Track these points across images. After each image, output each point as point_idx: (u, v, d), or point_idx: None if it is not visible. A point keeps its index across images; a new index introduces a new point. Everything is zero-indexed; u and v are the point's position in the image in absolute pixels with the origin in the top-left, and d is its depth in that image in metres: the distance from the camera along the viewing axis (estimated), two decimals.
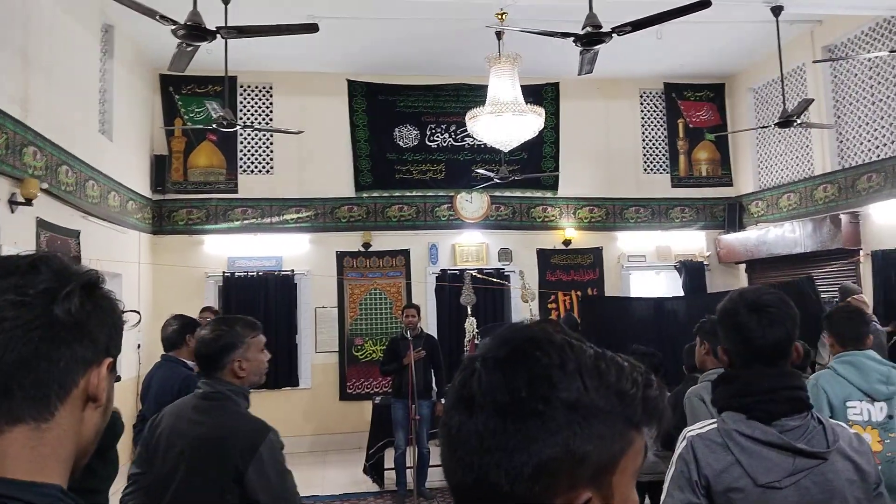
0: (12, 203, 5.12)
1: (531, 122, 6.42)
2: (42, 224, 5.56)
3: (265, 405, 8.44)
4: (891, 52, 6.65)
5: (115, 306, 0.87)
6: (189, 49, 4.41)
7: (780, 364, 1.69)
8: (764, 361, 1.69)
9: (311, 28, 4.44)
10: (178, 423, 2.28)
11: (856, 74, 8.04)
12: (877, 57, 7.44)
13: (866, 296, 7.32)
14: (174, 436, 2.24)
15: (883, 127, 7.64)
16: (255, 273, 8.94)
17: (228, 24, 4.52)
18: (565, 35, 4.53)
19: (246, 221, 9.08)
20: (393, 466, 6.58)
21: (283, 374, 8.86)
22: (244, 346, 2.32)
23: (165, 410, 2.42)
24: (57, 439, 0.79)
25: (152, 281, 8.52)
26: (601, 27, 4.50)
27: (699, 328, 3.42)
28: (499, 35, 7.33)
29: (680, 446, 1.72)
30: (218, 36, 4.37)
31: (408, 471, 6.47)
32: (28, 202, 5.23)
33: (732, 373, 1.78)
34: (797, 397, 1.65)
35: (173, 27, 4.13)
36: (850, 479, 1.59)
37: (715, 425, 1.69)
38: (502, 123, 6.29)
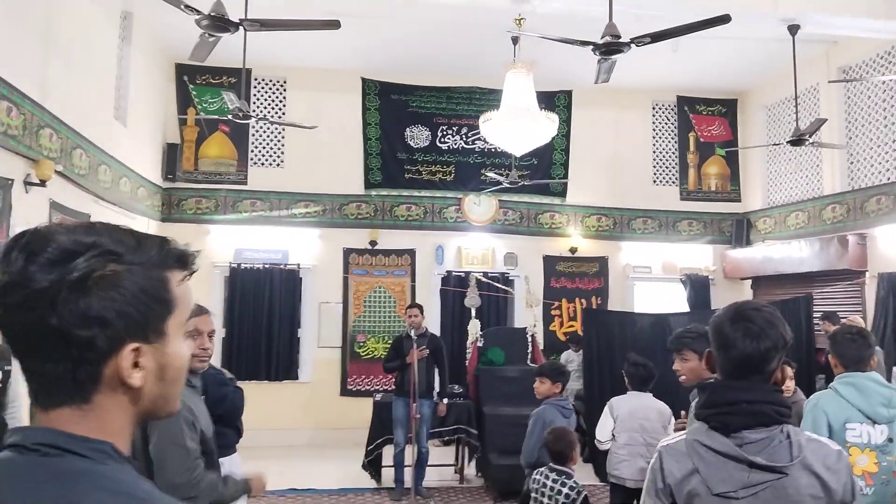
0: (27, 183, 5.16)
1: (545, 128, 6.44)
2: (55, 206, 5.60)
3: (265, 397, 8.51)
4: None
5: (126, 290, 0.82)
6: (211, 39, 4.45)
7: (752, 378, 1.70)
8: (737, 373, 1.72)
9: (333, 24, 4.47)
10: None
11: (869, 97, 8.05)
12: (891, 80, 7.46)
13: (868, 318, 7.34)
14: None
15: (894, 150, 7.65)
16: (261, 266, 8.97)
17: (251, 17, 4.55)
18: (584, 43, 4.56)
19: (254, 213, 9.11)
20: (391, 464, 6.61)
21: (283, 367, 8.91)
22: None
23: None
24: (99, 418, 0.83)
25: None
26: (620, 37, 4.53)
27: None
28: (515, 40, 7.37)
29: (653, 457, 1.80)
30: (240, 28, 4.40)
31: (406, 469, 6.49)
32: (42, 183, 5.27)
33: (704, 383, 1.82)
34: (761, 411, 1.66)
35: (197, 17, 4.16)
36: (813, 496, 1.61)
37: (684, 436, 1.76)
38: (516, 127, 6.32)
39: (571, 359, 8.16)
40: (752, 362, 1.70)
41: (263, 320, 8.89)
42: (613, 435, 4.49)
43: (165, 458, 2.32)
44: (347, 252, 9.27)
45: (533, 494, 3.76)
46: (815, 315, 7.45)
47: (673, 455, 1.73)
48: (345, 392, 9.04)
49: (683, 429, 3.12)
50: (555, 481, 3.70)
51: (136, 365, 0.83)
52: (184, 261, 0.89)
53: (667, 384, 6.95)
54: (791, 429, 1.67)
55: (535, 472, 3.83)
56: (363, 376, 9.07)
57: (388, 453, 6.71)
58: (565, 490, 3.66)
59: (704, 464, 1.66)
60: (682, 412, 3.68)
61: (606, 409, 4.60)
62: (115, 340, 0.81)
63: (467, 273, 9.08)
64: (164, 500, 0.82)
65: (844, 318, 6.65)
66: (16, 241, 0.82)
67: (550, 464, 3.81)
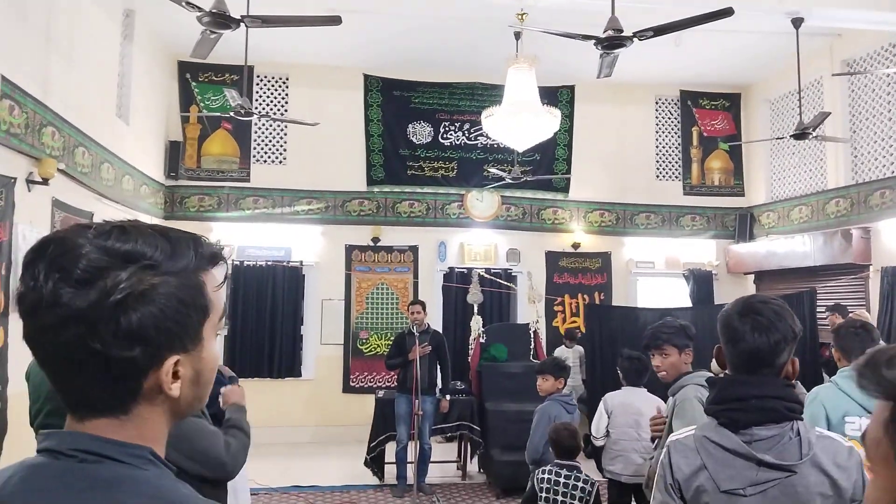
0: (30, 182, 5.16)
1: (547, 123, 6.43)
2: (57, 204, 5.60)
3: (268, 395, 8.52)
4: None
5: (167, 304, 0.79)
6: (212, 36, 4.44)
7: (762, 372, 1.68)
8: (746, 368, 1.70)
9: (334, 20, 4.46)
10: None
11: (873, 90, 8.01)
12: (895, 73, 7.41)
13: (872, 312, 7.32)
14: None
15: None
16: (263, 263, 8.97)
17: (252, 14, 4.54)
18: (586, 37, 4.54)
19: (257, 211, 9.12)
20: (394, 460, 6.61)
21: (286, 364, 8.92)
22: None
23: None
24: (137, 426, 0.81)
25: None
26: (622, 31, 4.51)
27: None
28: (517, 35, 7.35)
29: (662, 451, 1.78)
30: (241, 24, 4.40)
31: (408, 465, 6.50)
32: (45, 182, 5.27)
33: (715, 378, 1.81)
34: (770, 407, 1.64)
35: (198, 14, 4.16)
36: (822, 494, 1.59)
37: (693, 431, 1.74)
38: (518, 123, 6.31)
39: (566, 356, 8.14)
40: (761, 356, 1.68)
41: (266, 317, 8.89)
42: (608, 431, 4.48)
43: (211, 451, 2.31)
44: (350, 249, 9.27)
45: (543, 494, 3.70)
46: (818, 310, 7.43)
47: (681, 450, 1.72)
48: (347, 389, 9.04)
49: (660, 426, 3.06)
50: (567, 477, 3.68)
51: (174, 375, 0.81)
52: (215, 259, 0.87)
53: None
54: (801, 425, 1.65)
55: (541, 471, 3.79)
56: (366, 373, 9.08)
57: (390, 450, 6.71)
58: (580, 484, 3.65)
59: (712, 460, 1.64)
60: (658, 408, 3.60)
61: (601, 404, 4.61)
62: (156, 356, 0.79)
63: (470, 269, 9.07)
64: None
65: (851, 311, 6.63)
66: (39, 252, 0.77)
67: (557, 460, 3.79)
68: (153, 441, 0.82)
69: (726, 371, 1.80)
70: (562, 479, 3.66)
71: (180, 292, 0.80)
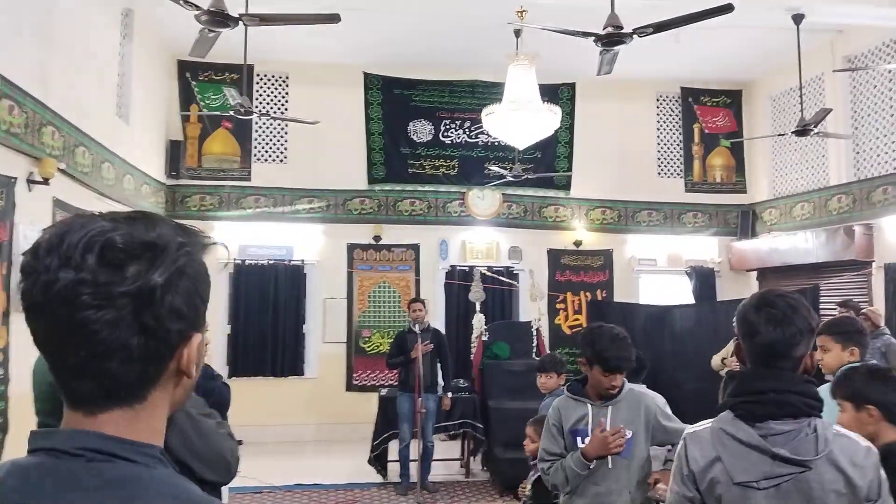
0: (30, 182, 5.15)
1: (547, 121, 6.42)
2: (58, 204, 5.60)
3: (270, 393, 8.53)
4: None
5: (199, 279, 0.81)
6: (211, 35, 4.44)
7: (778, 365, 1.68)
8: (762, 361, 1.71)
9: (333, 18, 4.46)
10: None
11: (875, 86, 7.99)
12: None
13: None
14: None
15: None
16: (265, 262, 8.98)
17: (250, 12, 4.54)
18: (586, 34, 4.53)
19: (258, 210, 9.12)
20: (397, 458, 6.61)
21: (289, 363, 8.92)
22: None
23: None
24: (149, 417, 0.79)
25: None
26: (622, 27, 4.50)
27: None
28: (517, 33, 7.33)
29: (679, 444, 1.81)
30: (240, 23, 4.39)
31: (411, 463, 6.50)
32: (45, 181, 5.27)
33: (733, 371, 1.82)
34: (788, 402, 1.64)
35: (196, 12, 4.16)
36: (836, 492, 1.59)
37: (710, 423, 1.76)
38: (518, 120, 6.30)
39: None
40: (777, 349, 1.68)
41: (268, 316, 8.90)
42: None
43: (224, 454, 2.28)
44: (351, 247, 9.27)
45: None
46: (820, 306, 7.41)
47: (697, 442, 1.74)
48: (350, 387, 9.05)
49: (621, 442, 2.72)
50: None
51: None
52: (208, 246, 0.87)
53: (663, 375, 6.90)
54: (819, 422, 1.65)
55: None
56: (368, 371, 9.08)
57: (393, 448, 6.72)
58: None
59: (728, 452, 1.66)
60: (602, 420, 2.85)
61: None
62: (186, 332, 0.79)
63: (471, 267, 9.07)
64: None
65: (863, 309, 6.61)
66: (62, 236, 0.74)
67: None
68: (159, 435, 0.80)
69: (729, 369, 1.80)
70: None
71: (204, 269, 0.82)
